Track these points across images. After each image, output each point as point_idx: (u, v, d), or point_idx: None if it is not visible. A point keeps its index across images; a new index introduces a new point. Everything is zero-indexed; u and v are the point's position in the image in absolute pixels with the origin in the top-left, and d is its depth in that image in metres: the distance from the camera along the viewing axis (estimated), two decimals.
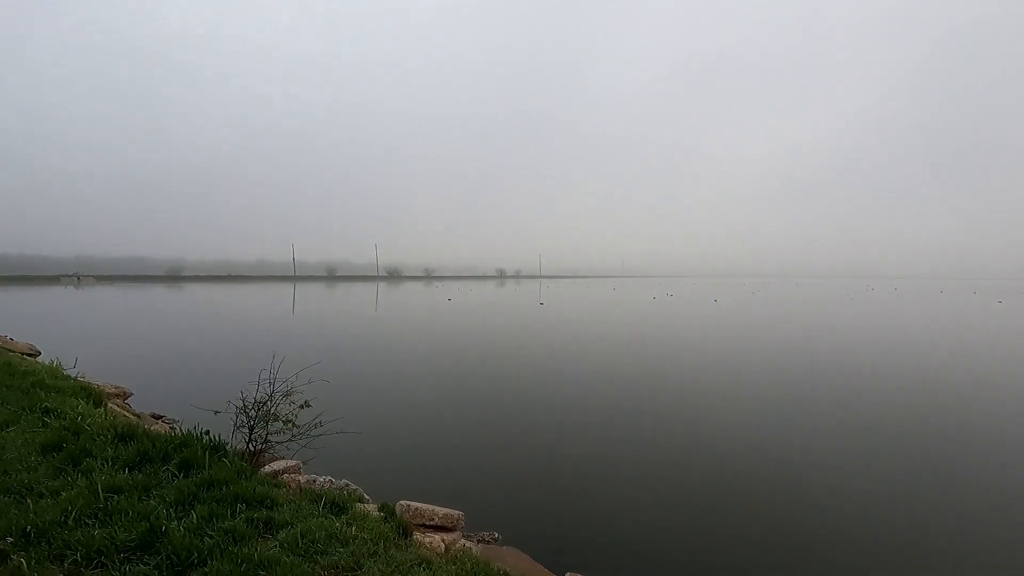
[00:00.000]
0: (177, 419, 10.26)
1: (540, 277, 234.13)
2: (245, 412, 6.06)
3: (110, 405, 8.60)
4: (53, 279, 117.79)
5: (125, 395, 10.96)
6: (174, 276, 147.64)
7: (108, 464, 4.81)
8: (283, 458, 6.38)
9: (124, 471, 4.70)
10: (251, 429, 6.04)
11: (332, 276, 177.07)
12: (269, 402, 6.16)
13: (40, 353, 17.49)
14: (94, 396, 8.21)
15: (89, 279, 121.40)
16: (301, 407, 6.07)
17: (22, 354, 15.86)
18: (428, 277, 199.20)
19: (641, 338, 26.25)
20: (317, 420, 6.15)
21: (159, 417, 10.09)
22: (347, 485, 5.29)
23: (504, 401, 13.72)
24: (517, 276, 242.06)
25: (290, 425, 6.07)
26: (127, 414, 8.57)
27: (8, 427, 5.86)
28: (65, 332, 25.87)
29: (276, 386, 6.39)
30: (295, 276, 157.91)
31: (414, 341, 25.50)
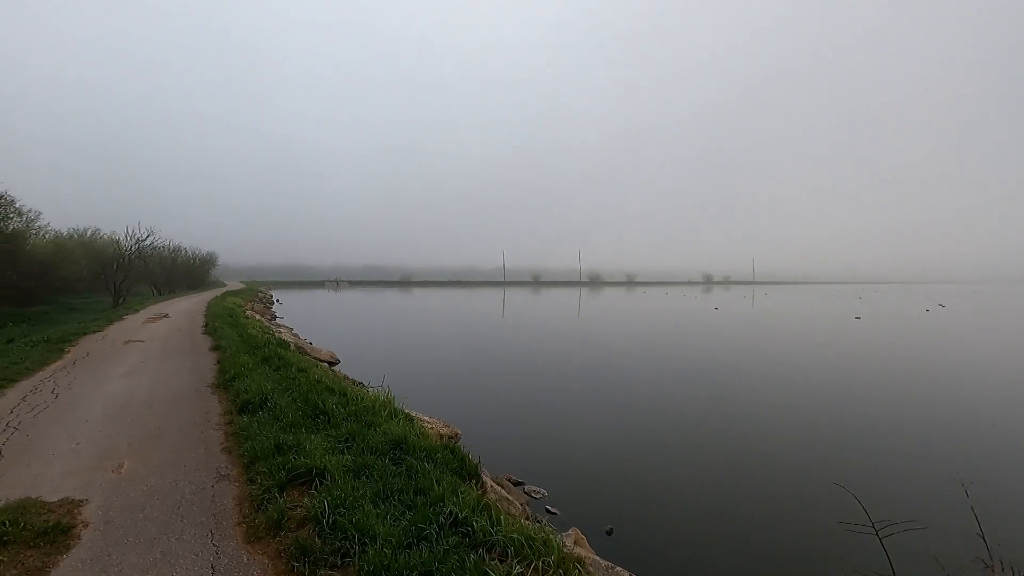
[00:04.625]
0: (540, 490, 7.32)
1: (753, 283, 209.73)
2: None
3: (490, 483, 5.78)
4: (318, 284, 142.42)
5: (456, 436, 8.54)
6: (406, 281, 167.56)
7: None
8: None
9: None
10: None
11: (537, 281, 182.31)
12: None
13: (339, 361, 17.30)
14: (465, 463, 5.45)
15: (344, 284, 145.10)
16: None
17: (327, 363, 15.53)
18: (630, 283, 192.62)
19: None
20: None
21: (519, 484, 7.25)
22: None
23: None
24: (726, 282, 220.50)
25: None
26: (509, 496, 5.65)
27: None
28: (346, 336, 27.33)
29: None
30: (504, 281, 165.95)
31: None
